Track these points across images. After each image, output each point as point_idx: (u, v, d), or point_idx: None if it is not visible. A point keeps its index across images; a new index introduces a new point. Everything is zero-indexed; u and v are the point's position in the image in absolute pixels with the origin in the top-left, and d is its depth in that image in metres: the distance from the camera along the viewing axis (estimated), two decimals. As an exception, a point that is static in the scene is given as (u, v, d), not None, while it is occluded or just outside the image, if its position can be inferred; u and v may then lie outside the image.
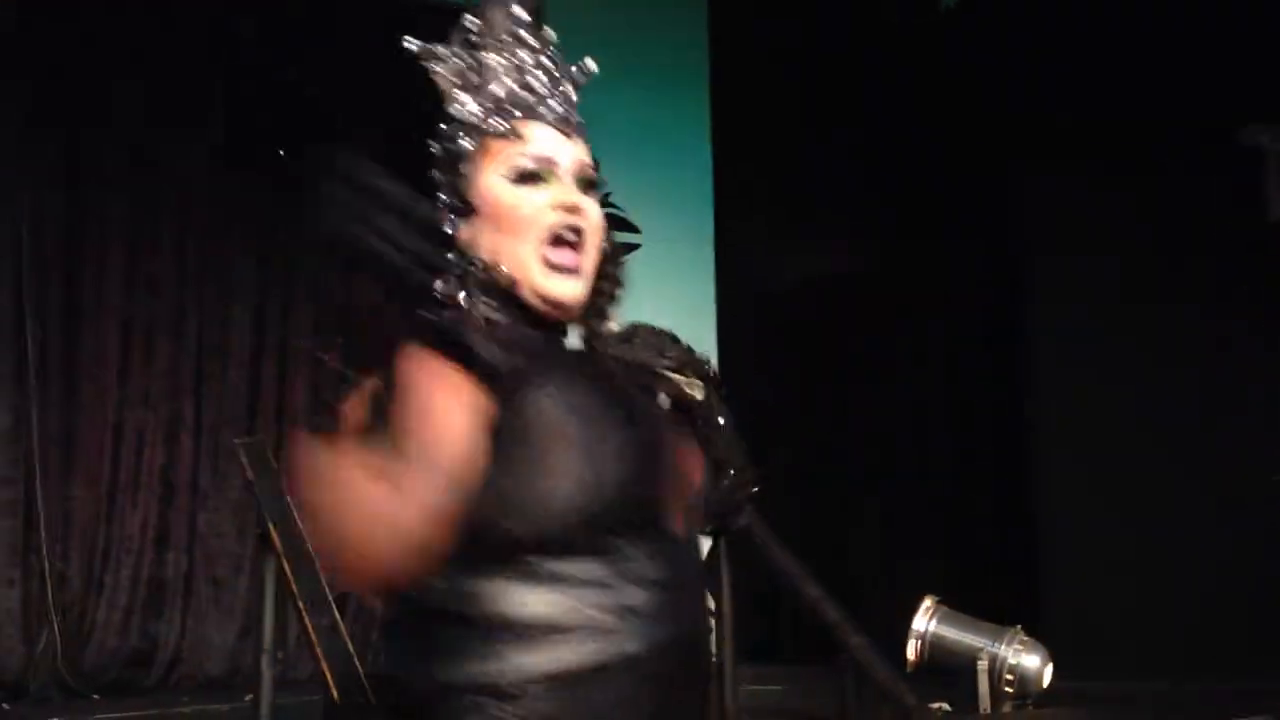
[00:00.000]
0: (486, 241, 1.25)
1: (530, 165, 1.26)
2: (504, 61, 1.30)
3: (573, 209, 1.26)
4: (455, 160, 1.28)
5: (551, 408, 1.15)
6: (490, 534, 1.14)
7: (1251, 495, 6.42)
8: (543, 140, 1.28)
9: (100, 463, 5.71)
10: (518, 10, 1.32)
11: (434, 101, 1.32)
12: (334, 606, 2.74)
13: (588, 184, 1.30)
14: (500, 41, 1.31)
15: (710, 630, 1.26)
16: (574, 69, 1.37)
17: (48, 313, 5.69)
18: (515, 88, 1.29)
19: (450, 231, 1.25)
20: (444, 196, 1.28)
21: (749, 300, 7.32)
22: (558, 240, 1.26)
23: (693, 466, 1.30)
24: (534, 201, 1.25)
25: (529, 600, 1.13)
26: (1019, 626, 3.99)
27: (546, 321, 1.27)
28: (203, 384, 6.00)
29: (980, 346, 7.33)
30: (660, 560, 1.17)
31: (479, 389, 1.13)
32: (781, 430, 6.67)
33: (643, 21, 7.10)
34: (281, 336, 6.22)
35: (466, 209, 1.26)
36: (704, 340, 7.14)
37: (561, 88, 1.33)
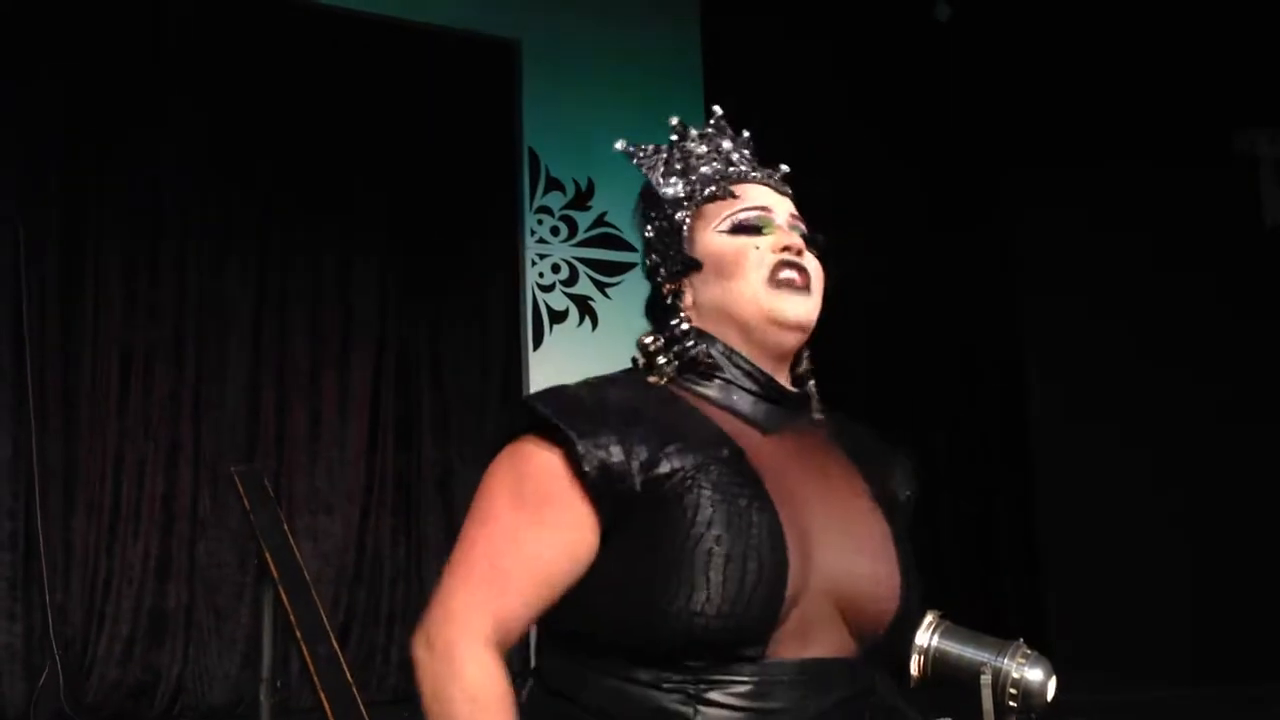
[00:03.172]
0: (711, 293, 1.32)
1: (748, 216, 1.34)
2: (707, 148, 1.41)
3: (795, 249, 1.32)
4: (672, 233, 1.36)
5: (692, 513, 1.17)
6: (604, 639, 1.19)
7: (1258, 502, 6.41)
8: (757, 194, 1.37)
9: (101, 493, 5.70)
10: (717, 109, 1.44)
11: (646, 194, 1.42)
12: (332, 636, 2.73)
13: (803, 238, 1.37)
14: (702, 134, 1.43)
15: None
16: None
17: (46, 342, 5.70)
18: (721, 166, 1.40)
19: (672, 300, 1.33)
20: (664, 270, 1.35)
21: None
22: (782, 269, 1.32)
23: (889, 582, 1.32)
24: (756, 246, 1.32)
25: (622, 704, 1.18)
26: (1022, 640, 3.96)
27: (779, 388, 1.31)
28: (202, 412, 5.99)
29: (981, 352, 7.33)
30: (770, 689, 1.19)
31: (584, 498, 1.18)
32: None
33: (637, 32, 7.16)
34: (280, 364, 6.22)
35: (691, 264, 1.33)
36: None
37: (762, 168, 1.43)
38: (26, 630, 5.41)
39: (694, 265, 1.33)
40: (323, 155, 6.39)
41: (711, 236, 1.34)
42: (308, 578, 2.78)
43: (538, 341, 6.88)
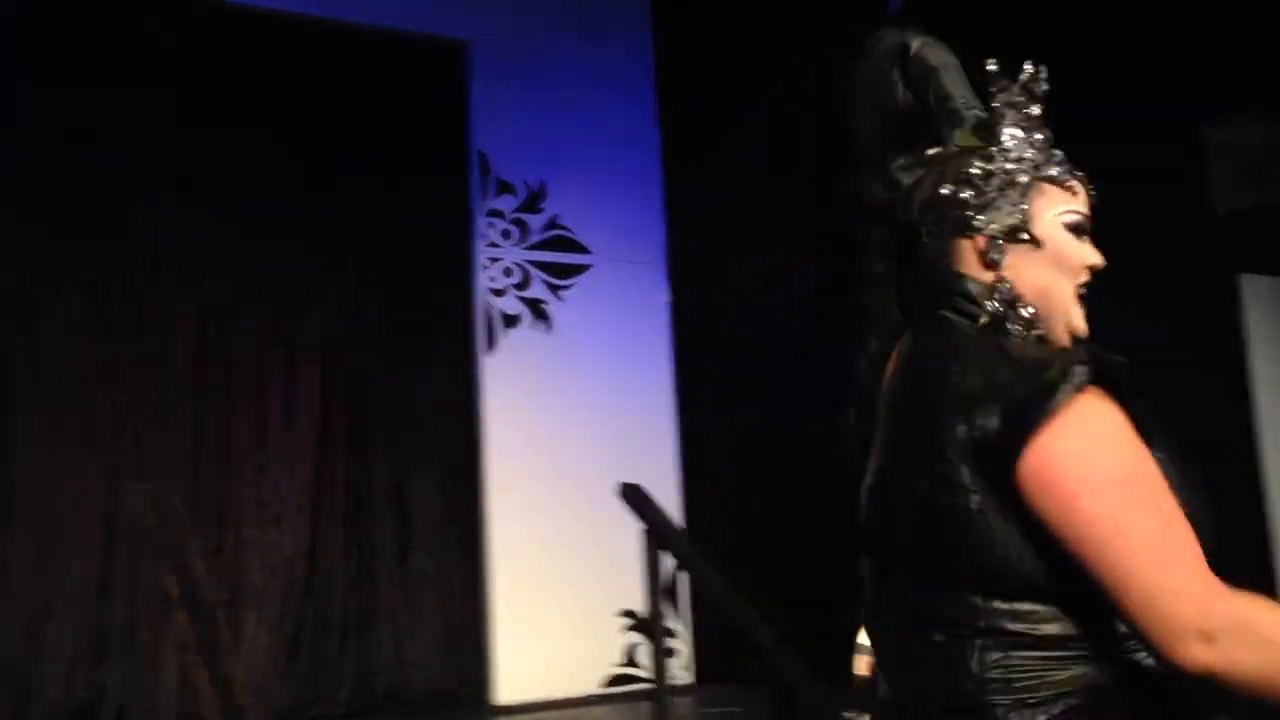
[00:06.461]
0: (1036, 272, 1.29)
1: (1083, 221, 1.33)
2: (1038, 112, 1.36)
3: (1097, 271, 1.33)
4: (1004, 186, 1.31)
5: (1168, 469, 1.19)
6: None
7: (1216, 484, 6.37)
8: (1085, 200, 1.34)
9: (39, 513, 5.61)
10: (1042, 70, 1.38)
11: (987, 121, 1.35)
12: (225, 656, 2.64)
13: None
14: (1041, 102, 1.37)
15: None
16: None
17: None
18: (1050, 145, 1.35)
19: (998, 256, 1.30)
20: (984, 218, 1.30)
21: (705, 311, 7.21)
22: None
23: None
24: (1084, 255, 1.31)
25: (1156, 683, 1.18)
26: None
27: None
28: (144, 429, 5.89)
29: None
30: None
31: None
32: (748, 442, 6.56)
33: (588, 34, 7.11)
34: (225, 376, 6.13)
35: (1033, 240, 1.30)
36: (659, 354, 7.11)
37: None
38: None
39: (1035, 242, 1.30)
40: (268, 162, 6.30)
41: (1053, 222, 1.31)
42: (205, 598, 2.70)
43: (491, 346, 6.79)
